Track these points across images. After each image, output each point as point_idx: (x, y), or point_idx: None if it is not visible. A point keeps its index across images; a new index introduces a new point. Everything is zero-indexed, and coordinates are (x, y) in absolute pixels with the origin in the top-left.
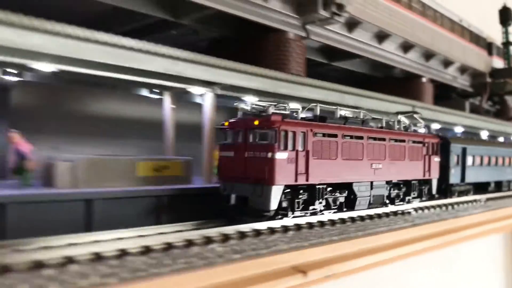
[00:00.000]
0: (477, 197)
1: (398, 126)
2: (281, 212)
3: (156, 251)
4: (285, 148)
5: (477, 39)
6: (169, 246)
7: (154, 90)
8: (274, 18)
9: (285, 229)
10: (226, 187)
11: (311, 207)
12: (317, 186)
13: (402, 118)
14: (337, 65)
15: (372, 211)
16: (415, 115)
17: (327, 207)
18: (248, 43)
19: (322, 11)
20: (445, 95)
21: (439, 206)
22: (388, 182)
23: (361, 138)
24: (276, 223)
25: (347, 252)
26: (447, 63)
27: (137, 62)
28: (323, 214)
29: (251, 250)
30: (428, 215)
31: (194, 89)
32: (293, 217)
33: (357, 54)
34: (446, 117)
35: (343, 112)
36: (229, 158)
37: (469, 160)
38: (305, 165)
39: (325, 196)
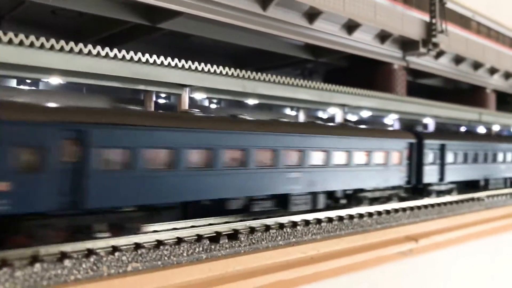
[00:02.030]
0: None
1: None
2: None
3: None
4: None
5: None
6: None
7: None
8: (385, 54)
9: (404, 209)
10: None
11: None
12: None
13: None
14: (420, 82)
15: (456, 198)
16: None
17: None
18: (361, 72)
19: (422, 48)
20: (504, 100)
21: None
22: None
23: None
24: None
25: (443, 226)
26: (507, 75)
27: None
28: None
29: (386, 222)
30: (499, 201)
31: (331, 110)
32: None
33: (439, 75)
34: (505, 120)
35: None
36: None
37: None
38: None
39: None
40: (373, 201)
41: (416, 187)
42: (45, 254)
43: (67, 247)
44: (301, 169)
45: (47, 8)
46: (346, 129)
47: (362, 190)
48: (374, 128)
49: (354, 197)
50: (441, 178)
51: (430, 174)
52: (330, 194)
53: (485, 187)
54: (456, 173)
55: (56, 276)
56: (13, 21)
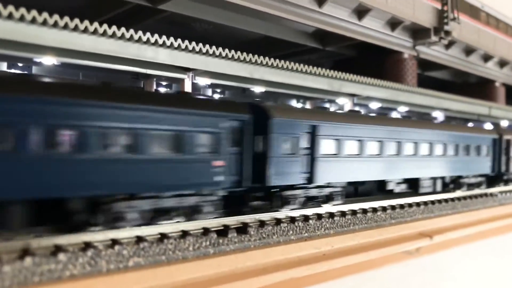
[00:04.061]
0: None
1: None
2: None
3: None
4: None
5: None
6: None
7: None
8: (396, 43)
9: (418, 204)
10: None
11: None
12: None
13: None
14: (429, 74)
15: (469, 193)
16: None
17: None
18: (370, 62)
19: (433, 37)
20: None
21: None
22: None
23: None
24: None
25: (458, 222)
26: None
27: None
28: None
29: (400, 217)
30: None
31: (340, 100)
32: None
33: (449, 66)
34: None
35: None
36: None
37: None
38: None
39: None
40: None
41: None
42: (37, 247)
43: (62, 240)
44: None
45: None
46: None
47: None
48: None
49: None
50: None
51: None
52: None
53: None
54: None
55: (49, 272)
56: (6, 2)
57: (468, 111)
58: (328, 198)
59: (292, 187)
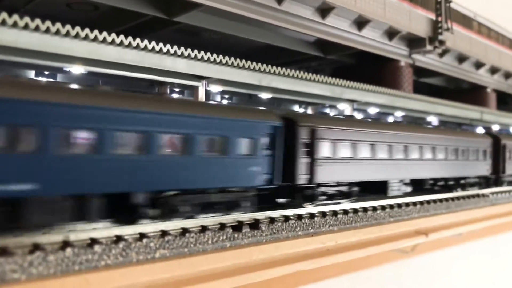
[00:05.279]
0: None
1: None
2: None
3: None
4: None
5: None
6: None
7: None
8: (393, 52)
9: (414, 203)
10: None
11: None
12: None
13: None
14: (424, 80)
15: (463, 194)
16: None
17: None
18: (368, 70)
19: (428, 46)
20: (503, 101)
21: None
22: None
23: None
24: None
25: (452, 221)
26: (507, 75)
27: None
28: None
29: (398, 216)
30: (503, 198)
31: (340, 105)
32: None
33: (442, 73)
34: (505, 119)
35: None
36: None
37: None
38: None
39: None
40: None
41: None
42: (75, 240)
43: (96, 233)
44: None
45: (62, 1)
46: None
47: None
48: None
49: None
50: None
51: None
52: None
53: None
54: None
55: (87, 261)
56: (27, 15)
57: (461, 115)
58: None
59: None
